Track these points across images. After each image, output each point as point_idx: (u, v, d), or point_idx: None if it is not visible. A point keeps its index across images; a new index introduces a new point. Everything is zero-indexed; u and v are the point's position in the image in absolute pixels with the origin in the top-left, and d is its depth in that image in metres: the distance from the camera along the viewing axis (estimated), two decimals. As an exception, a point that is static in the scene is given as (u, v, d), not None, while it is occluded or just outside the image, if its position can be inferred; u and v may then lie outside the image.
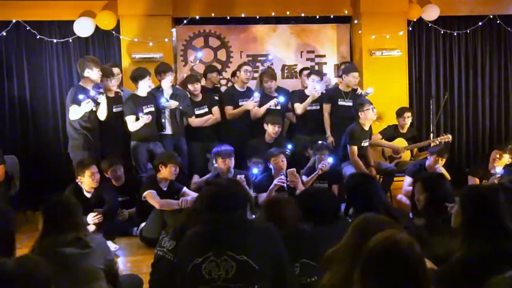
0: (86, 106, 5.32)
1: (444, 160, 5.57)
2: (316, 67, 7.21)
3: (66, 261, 2.72)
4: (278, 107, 6.26)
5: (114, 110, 5.82)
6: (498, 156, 5.45)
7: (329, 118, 6.31)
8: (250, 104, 6.09)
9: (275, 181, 5.16)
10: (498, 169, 5.33)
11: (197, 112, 6.15)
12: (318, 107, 6.31)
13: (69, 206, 2.90)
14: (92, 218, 4.70)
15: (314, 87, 6.14)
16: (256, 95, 6.10)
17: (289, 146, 5.79)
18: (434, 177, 3.73)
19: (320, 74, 6.47)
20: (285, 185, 5.18)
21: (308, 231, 2.76)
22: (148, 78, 5.78)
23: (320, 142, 5.85)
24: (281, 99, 6.14)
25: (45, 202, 2.91)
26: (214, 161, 5.56)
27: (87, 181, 4.96)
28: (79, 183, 5.06)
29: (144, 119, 5.63)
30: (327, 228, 2.83)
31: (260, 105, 6.15)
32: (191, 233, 2.41)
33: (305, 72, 6.60)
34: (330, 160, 5.49)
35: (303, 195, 3.29)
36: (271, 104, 6.12)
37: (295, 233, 2.66)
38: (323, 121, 6.32)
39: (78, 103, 5.33)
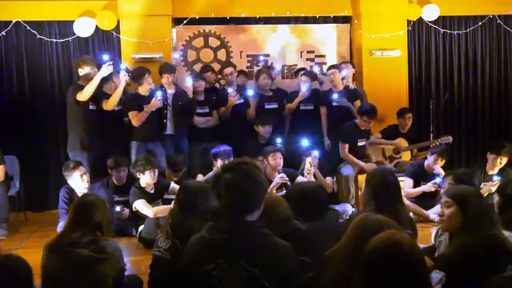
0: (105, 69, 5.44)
1: (444, 161, 5.59)
2: (317, 67, 7.22)
3: (79, 263, 2.69)
4: (275, 106, 6.28)
5: (116, 108, 5.82)
6: (499, 161, 5.42)
7: (326, 120, 6.36)
8: (233, 100, 6.09)
9: (277, 179, 5.12)
10: (496, 177, 5.32)
11: (198, 111, 6.17)
12: (311, 107, 6.35)
13: (95, 205, 2.88)
14: None
15: (301, 88, 6.20)
16: (230, 91, 6.14)
17: (278, 140, 5.77)
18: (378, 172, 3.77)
19: (312, 74, 6.48)
20: (288, 182, 5.16)
21: (301, 229, 2.74)
22: (147, 76, 5.78)
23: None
24: (250, 92, 6.15)
25: (81, 199, 2.92)
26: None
27: (77, 183, 4.96)
28: (70, 185, 5.06)
29: (155, 101, 5.63)
30: (317, 223, 2.83)
31: (256, 105, 6.20)
32: (200, 237, 2.24)
33: (301, 72, 6.61)
34: (315, 153, 5.39)
35: (292, 192, 3.27)
36: (252, 103, 6.14)
37: (289, 231, 2.62)
38: (316, 121, 6.37)
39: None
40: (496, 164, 5.44)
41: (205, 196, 3.04)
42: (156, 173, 5.16)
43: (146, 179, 5.09)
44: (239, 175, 2.15)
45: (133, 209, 5.05)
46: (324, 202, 3.06)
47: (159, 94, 5.70)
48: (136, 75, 5.84)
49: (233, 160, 2.37)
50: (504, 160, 5.45)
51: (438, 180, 5.38)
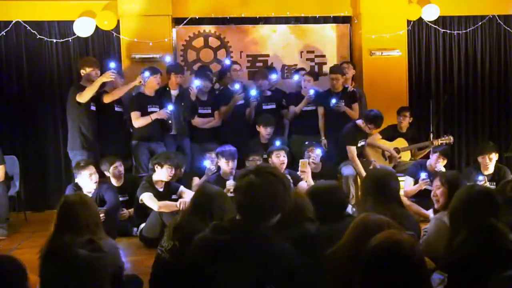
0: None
1: (445, 160, 5.61)
2: (316, 68, 7.22)
3: (78, 263, 2.69)
4: (273, 106, 6.29)
5: (116, 109, 5.83)
6: (488, 159, 5.44)
7: (323, 121, 6.35)
8: (237, 98, 6.07)
9: None
10: (480, 177, 5.30)
11: (200, 111, 6.15)
12: (314, 108, 6.36)
13: (87, 206, 2.86)
14: None
15: (308, 91, 6.21)
16: (237, 87, 6.12)
17: (278, 143, 5.76)
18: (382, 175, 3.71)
19: (314, 75, 6.48)
20: (292, 185, 5.13)
21: (313, 232, 2.69)
22: (156, 76, 5.79)
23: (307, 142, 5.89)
24: (253, 92, 6.06)
25: (62, 200, 2.89)
26: (209, 162, 5.53)
27: (85, 182, 4.95)
28: (79, 183, 5.06)
29: (163, 112, 5.72)
30: (331, 227, 2.73)
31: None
32: (204, 237, 2.22)
33: (302, 72, 6.61)
34: (318, 152, 5.58)
35: (313, 190, 3.11)
36: (252, 104, 6.09)
37: (300, 234, 2.59)
38: (317, 122, 6.37)
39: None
40: (487, 162, 5.47)
41: (221, 204, 2.98)
42: (173, 172, 5.13)
43: (162, 173, 5.08)
44: (265, 179, 2.15)
45: (139, 201, 5.02)
46: (340, 205, 2.92)
47: (170, 108, 5.76)
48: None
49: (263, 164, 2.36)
50: (493, 156, 5.47)
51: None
